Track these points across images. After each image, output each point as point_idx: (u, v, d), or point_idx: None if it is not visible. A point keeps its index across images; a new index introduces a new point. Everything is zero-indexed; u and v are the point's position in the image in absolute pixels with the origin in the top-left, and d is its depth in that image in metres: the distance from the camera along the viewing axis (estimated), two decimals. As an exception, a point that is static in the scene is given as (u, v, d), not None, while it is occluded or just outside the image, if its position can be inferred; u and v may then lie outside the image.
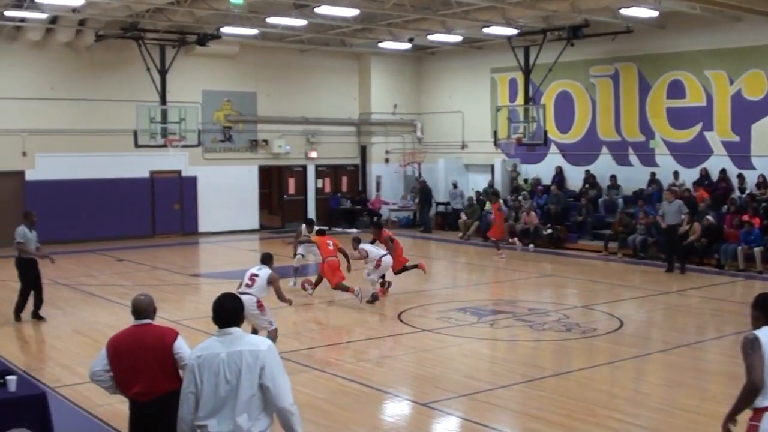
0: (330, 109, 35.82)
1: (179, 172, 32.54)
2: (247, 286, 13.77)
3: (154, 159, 31.28)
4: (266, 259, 14.40)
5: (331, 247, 18.92)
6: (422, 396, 11.74)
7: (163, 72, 29.00)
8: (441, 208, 34.93)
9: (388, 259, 19.25)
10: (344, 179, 37.13)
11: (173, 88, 29.86)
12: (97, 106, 30.39)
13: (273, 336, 13.24)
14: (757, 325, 6.71)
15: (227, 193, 33.30)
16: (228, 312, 6.28)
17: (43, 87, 29.63)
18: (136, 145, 28.03)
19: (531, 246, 28.34)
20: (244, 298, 12.11)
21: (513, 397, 11.75)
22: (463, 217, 31.79)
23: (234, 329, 6.23)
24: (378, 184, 36.62)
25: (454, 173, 35.05)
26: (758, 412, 6.54)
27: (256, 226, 33.69)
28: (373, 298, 18.75)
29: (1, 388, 8.80)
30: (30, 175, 29.61)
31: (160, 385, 7.17)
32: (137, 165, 31.21)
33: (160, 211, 31.99)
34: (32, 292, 17.32)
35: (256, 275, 13.88)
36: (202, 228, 32.91)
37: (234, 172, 33.75)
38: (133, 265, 25.07)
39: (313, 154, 35.75)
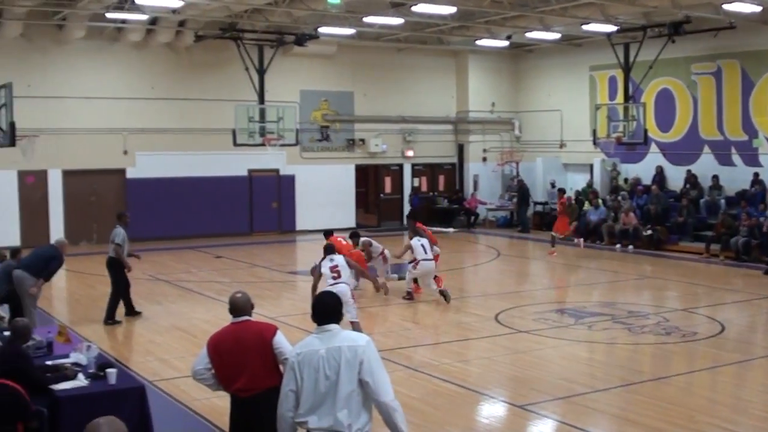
0: (427, 108, 35.74)
1: (277, 170, 32.82)
2: (334, 278, 14.53)
3: (252, 158, 31.57)
4: (330, 250, 15.15)
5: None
6: (518, 398, 11.65)
7: (261, 72, 29.10)
8: (539, 207, 34.62)
9: (428, 265, 18.65)
10: (441, 178, 36.99)
11: (271, 87, 29.90)
12: (197, 106, 30.74)
13: (358, 329, 13.41)
14: None
15: (324, 191, 33.43)
16: (327, 308, 6.31)
17: (144, 87, 30.17)
18: (235, 144, 28.18)
19: (630, 247, 27.94)
20: (338, 288, 14.08)
21: (611, 401, 11.58)
22: None
23: (332, 326, 6.24)
24: (475, 183, 36.38)
25: (552, 172, 34.67)
26: None
27: (353, 224, 33.39)
28: (409, 297, 18.91)
29: (101, 381, 9.04)
30: (131, 173, 30.22)
31: (261, 380, 7.24)
32: (236, 164, 31.54)
33: (258, 209, 32.29)
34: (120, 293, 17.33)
35: (336, 265, 14.65)
36: (299, 226, 33.10)
37: (331, 171, 33.91)
38: (231, 263, 25.31)
39: (410, 153, 35.73)
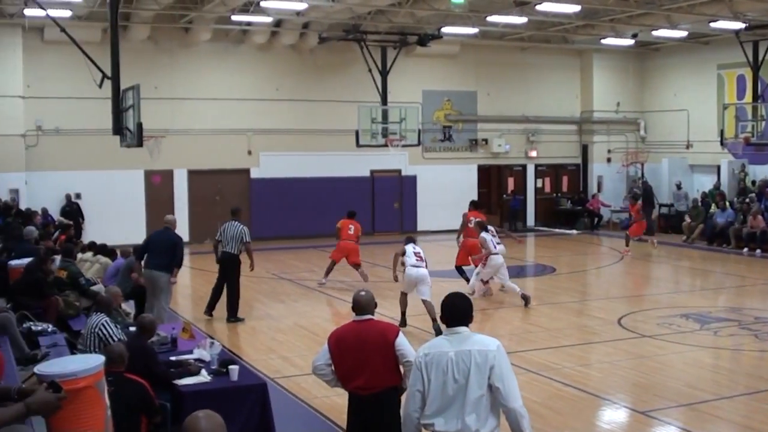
0: (551, 108, 35.47)
1: (399, 171, 32.95)
2: (417, 261, 15.61)
3: (374, 158, 31.76)
4: (411, 240, 16.37)
5: (351, 232, 20.92)
6: (640, 404, 11.48)
7: (384, 73, 29.26)
8: (664, 209, 33.97)
9: (497, 259, 18.54)
10: (564, 179, 36.64)
11: (394, 88, 30.02)
12: (320, 107, 31.04)
13: (431, 308, 14.97)
14: None
15: (446, 192, 33.08)
16: (458, 311, 6.27)
17: (268, 88, 30.62)
18: (358, 145, 28.34)
19: (758, 251, 27.09)
20: (421, 271, 15.42)
21: (736, 409, 11.30)
22: (687, 219, 30.62)
23: (462, 329, 6.20)
24: (599, 185, 35.97)
25: (678, 174, 34.01)
26: None
27: None
28: (484, 293, 19.19)
29: (223, 377, 9.26)
30: (255, 173, 30.78)
31: (381, 379, 7.30)
32: (358, 164, 31.80)
33: (380, 209, 32.41)
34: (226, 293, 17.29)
35: (419, 252, 15.77)
36: (421, 226, 32.96)
37: (453, 172, 33.83)
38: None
39: (533, 153, 35.53)
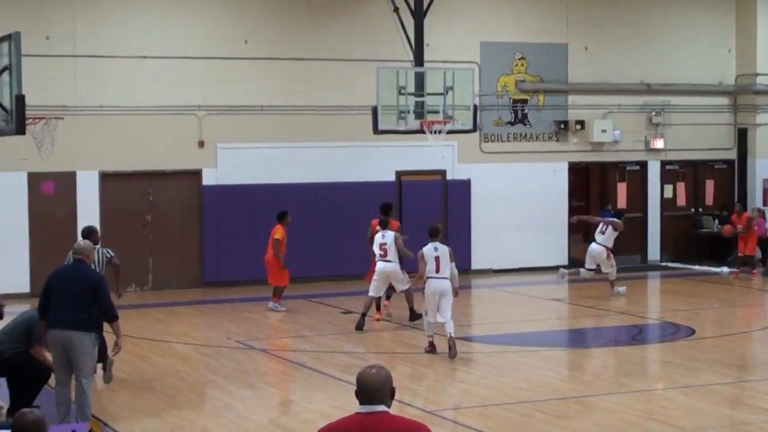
0: (687, 71, 33.23)
1: (443, 173, 31.06)
2: (382, 256, 20.74)
3: (403, 153, 30.12)
4: (386, 223, 21.21)
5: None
6: None
7: (419, 14, 27.40)
8: None
9: (438, 285, 19.28)
10: (709, 184, 34.24)
11: (434, 39, 28.62)
12: (315, 70, 29.58)
13: (410, 296, 20.98)
14: None
15: (518, 206, 31.14)
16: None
17: (232, 40, 29.01)
18: (377, 131, 26.71)
19: None
20: (384, 266, 20.98)
21: None
22: None
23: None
24: (767, 193, 33.48)
25: None
26: None
27: (565, 261, 30.84)
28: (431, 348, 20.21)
29: None
30: (209, 177, 29.15)
31: None
32: (377, 162, 30.18)
33: (413, 232, 27.20)
34: None
35: (385, 243, 20.61)
36: (476, 264, 31.05)
37: (529, 174, 31.69)
38: (366, 321, 23.39)
39: (659, 144, 33.04)
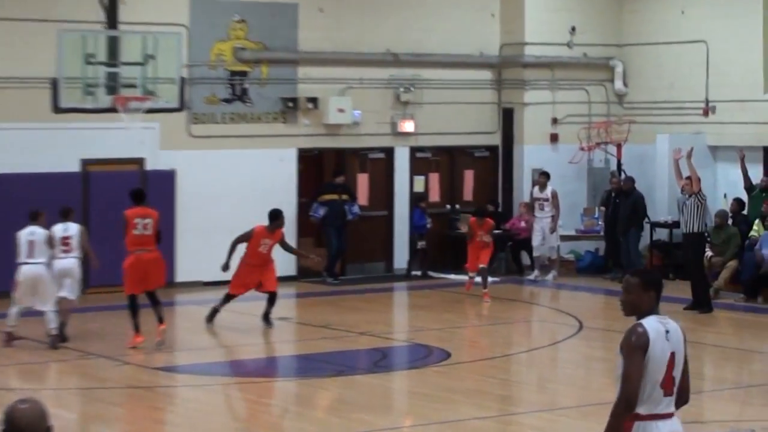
0: (443, 39, 31.31)
1: (141, 161, 28.77)
2: (65, 251, 20.35)
3: (91, 136, 28.09)
4: (67, 214, 21.02)
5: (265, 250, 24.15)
6: None
7: None
8: (661, 232, 30.37)
9: (30, 271, 20.93)
10: (468, 176, 31.97)
11: None
12: None
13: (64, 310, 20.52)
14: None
15: (234, 202, 28.78)
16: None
17: None
18: (57, 110, 26.54)
19: None
20: (69, 261, 20.71)
21: None
22: (708, 251, 27.48)
23: None
24: (536, 185, 30.81)
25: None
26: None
27: (292, 272, 28.97)
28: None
29: None
30: None
31: None
32: (57, 148, 27.68)
33: (101, 236, 26.42)
34: None
35: (69, 237, 20.33)
36: (181, 276, 28.66)
37: (250, 163, 29.56)
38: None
39: (409, 127, 30.67)
